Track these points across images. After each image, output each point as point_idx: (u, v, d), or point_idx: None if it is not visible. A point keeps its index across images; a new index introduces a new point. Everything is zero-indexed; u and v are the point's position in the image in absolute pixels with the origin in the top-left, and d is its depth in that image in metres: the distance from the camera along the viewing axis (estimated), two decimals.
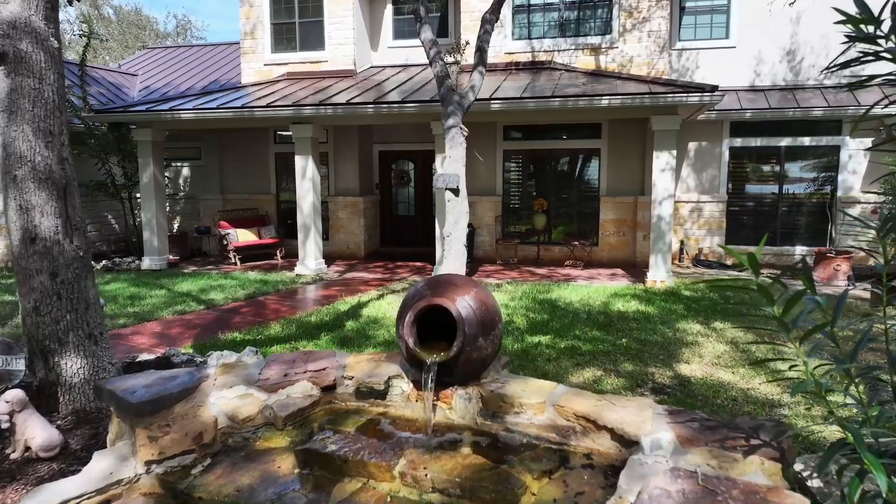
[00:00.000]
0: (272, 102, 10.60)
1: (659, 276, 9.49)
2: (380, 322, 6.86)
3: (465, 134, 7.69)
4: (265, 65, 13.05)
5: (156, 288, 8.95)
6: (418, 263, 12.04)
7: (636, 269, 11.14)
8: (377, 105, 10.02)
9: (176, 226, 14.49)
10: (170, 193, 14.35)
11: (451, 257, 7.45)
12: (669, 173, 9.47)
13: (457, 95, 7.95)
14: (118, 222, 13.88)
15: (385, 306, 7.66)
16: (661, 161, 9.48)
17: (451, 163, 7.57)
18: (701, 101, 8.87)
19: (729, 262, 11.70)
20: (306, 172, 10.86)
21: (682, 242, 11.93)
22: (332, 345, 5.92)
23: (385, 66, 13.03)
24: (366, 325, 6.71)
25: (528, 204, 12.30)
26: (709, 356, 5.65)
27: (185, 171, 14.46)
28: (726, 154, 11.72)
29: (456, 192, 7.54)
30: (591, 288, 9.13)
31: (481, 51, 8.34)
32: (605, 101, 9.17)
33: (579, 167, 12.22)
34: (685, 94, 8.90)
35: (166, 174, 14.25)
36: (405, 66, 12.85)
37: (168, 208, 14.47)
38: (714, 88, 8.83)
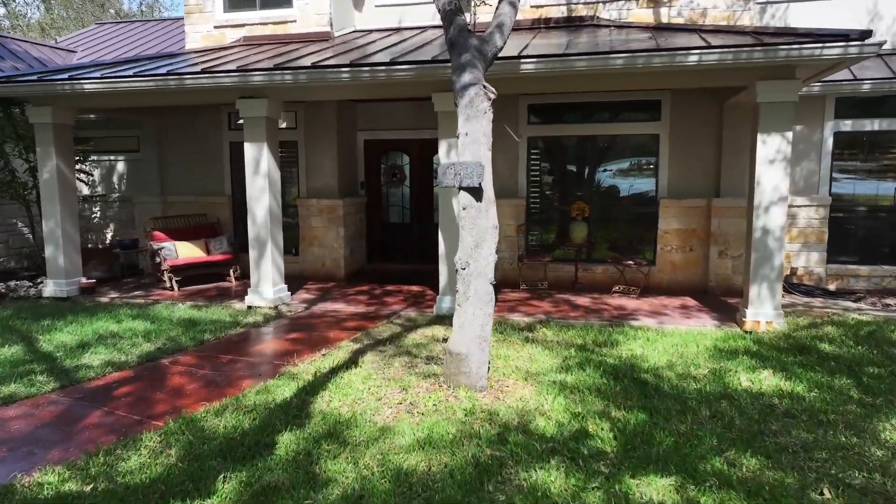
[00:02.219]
0: (210, 67, 7.56)
1: (764, 314, 6.47)
2: (342, 433, 3.77)
3: (493, 97, 4.65)
4: (216, 27, 9.98)
5: (12, 340, 5.84)
6: (415, 288, 8.99)
7: (712, 298, 8.13)
8: (355, 68, 6.98)
9: (109, 236, 11.44)
10: (100, 195, 11.31)
11: (471, 304, 4.40)
12: (782, 166, 6.45)
13: (475, 39, 4.93)
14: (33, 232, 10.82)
15: (359, 386, 4.55)
16: (770, 148, 6.46)
17: (468, 145, 4.53)
18: (845, 55, 5.83)
19: (832, 287, 8.69)
20: (260, 166, 7.82)
21: None
22: None
23: (372, 30, 9.96)
24: (317, 444, 3.63)
25: (561, 209, 9.25)
26: None
27: (121, 167, 11.40)
28: (829, 142, 8.70)
29: (477, 193, 4.49)
30: (671, 335, 6.09)
31: None
32: (692, 58, 6.14)
33: (631, 160, 9.15)
34: (819, 45, 5.86)
35: (95, 169, 11.24)
36: (398, 30, 9.79)
37: (98, 213, 11.44)
38: (865, 34, 5.80)
